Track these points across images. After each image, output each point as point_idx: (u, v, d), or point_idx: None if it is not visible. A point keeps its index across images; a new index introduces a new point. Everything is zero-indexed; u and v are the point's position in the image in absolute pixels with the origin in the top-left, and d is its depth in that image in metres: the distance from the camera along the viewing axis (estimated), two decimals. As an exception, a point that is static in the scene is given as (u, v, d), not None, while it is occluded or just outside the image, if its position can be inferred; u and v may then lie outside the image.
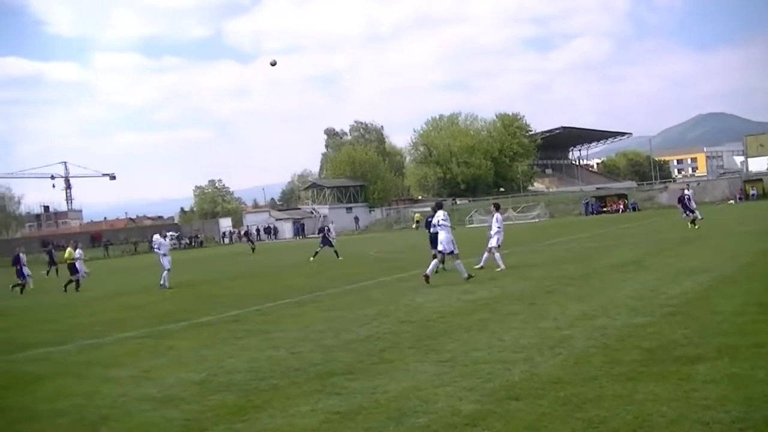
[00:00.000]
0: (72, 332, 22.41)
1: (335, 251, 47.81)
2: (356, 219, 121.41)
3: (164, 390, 12.77)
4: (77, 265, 41.94)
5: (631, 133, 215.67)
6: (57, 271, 52.48)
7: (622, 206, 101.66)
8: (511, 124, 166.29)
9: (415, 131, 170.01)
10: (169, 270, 35.57)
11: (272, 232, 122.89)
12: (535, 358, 12.34)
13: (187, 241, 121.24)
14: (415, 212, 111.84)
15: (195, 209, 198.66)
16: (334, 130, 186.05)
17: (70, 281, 40.27)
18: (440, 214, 27.39)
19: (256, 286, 33.27)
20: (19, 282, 43.39)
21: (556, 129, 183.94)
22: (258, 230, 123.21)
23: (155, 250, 36.83)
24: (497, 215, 30.95)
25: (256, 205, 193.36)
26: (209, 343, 17.46)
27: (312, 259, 47.15)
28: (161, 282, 35.27)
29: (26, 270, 44.50)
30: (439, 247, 26.80)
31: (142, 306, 29.13)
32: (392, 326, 17.21)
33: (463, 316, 17.72)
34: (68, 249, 42.77)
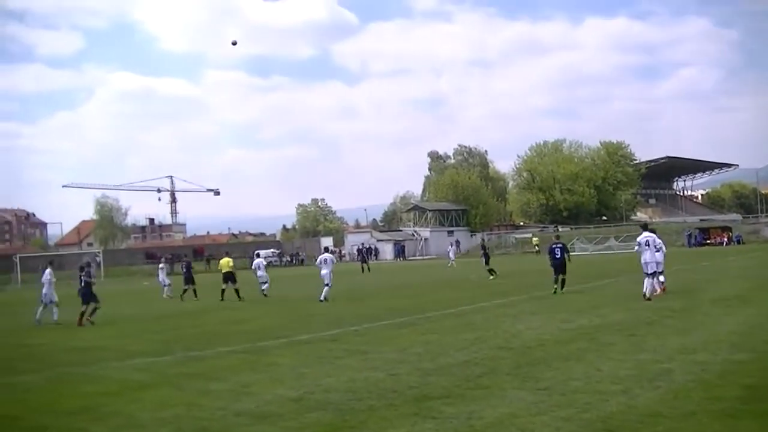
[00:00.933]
0: (174, 344, 22.84)
1: (490, 270, 48.33)
2: (457, 243, 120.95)
3: (262, 406, 12.94)
4: (260, 272, 42.93)
5: (737, 165, 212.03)
6: (195, 291, 50.01)
7: (726, 239, 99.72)
8: (615, 153, 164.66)
9: (518, 157, 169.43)
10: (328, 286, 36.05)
11: (373, 253, 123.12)
12: (633, 390, 12.24)
13: (288, 259, 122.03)
14: (533, 237, 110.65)
15: (297, 227, 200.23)
16: (437, 153, 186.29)
17: (236, 290, 40.74)
18: (652, 236, 29.04)
19: (354, 306, 33.33)
20: (187, 287, 44.07)
21: (661, 158, 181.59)
22: (360, 250, 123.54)
23: (321, 264, 37.38)
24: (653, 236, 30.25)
25: (357, 226, 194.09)
26: (307, 361, 17.60)
27: (492, 277, 47.55)
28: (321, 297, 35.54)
29: (163, 278, 46.55)
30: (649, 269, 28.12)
31: (243, 321, 29.48)
32: (490, 352, 17.19)
33: (562, 345, 17.63)
34: (225, 258, 42.95)
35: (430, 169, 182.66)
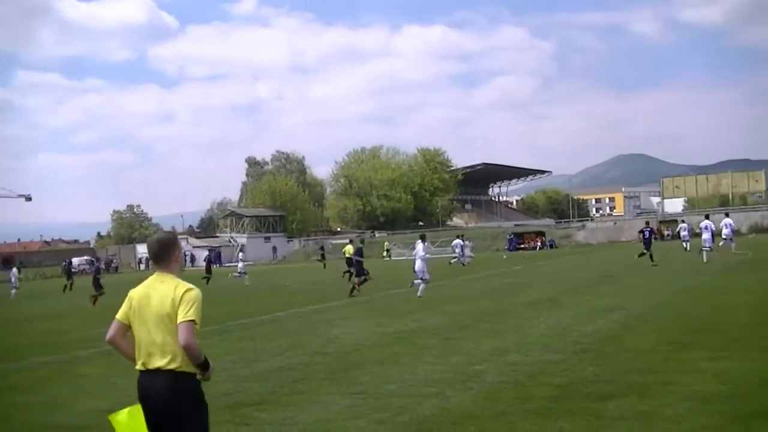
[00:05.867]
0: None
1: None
2: (274, 249, 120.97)
3: (72, 418, 12.69)
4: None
5: (551, 172, 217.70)
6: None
7: (539, 243, 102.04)
8: (432, 159, 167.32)
9: (336, 163, 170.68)
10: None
11: (189, 259, 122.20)
12: (446, 393, 12.37)
13: (103, 267, 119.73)
14: (385, 242, 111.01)
15: (112, 234, 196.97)
16: (255, 159, 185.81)
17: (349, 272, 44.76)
18: None
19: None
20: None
21: (477, 165, 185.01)
22: (184, 256, 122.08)
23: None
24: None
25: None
26: (120, 371, 17.20)
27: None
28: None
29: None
30: None
31: (62, 331, 28.85)
32: (306, 357, 17.14)
33: (378, 349, 17.71)
34: (348, 246, 49.73)
35: (247, 175, 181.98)
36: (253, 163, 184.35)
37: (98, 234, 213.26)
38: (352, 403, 12.08)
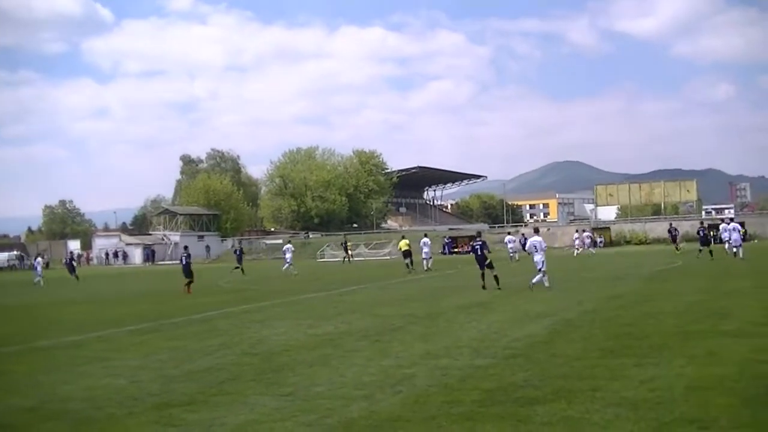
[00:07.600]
0: None
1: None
2: (207, 248, 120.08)
3: (-6, 416, 12.40)
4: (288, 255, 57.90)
5: (486, 176, 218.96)
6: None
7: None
8: (367, 161, 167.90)
9: (271, 163, 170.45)
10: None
11: (122, 256, 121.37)
12: (375, 396, 12.33)
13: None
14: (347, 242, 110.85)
15: (43, 229, 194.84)
16: (189, 157, 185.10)
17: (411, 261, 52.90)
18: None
19: (100, 311, 32.63)
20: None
21: (413, 168, 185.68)
22: (116, 253, 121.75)
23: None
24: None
25: (107, 229, 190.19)
26: (45, 368, 17.02)
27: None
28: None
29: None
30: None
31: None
32: (235, 358, 17.04)
33: (308, 351, 17.64)
34: (403, 240, 56.25)
35: (182, 173, 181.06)
36: (187, 161, 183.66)
37: (29, 229, 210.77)
38: (280, 405, 12.02)
